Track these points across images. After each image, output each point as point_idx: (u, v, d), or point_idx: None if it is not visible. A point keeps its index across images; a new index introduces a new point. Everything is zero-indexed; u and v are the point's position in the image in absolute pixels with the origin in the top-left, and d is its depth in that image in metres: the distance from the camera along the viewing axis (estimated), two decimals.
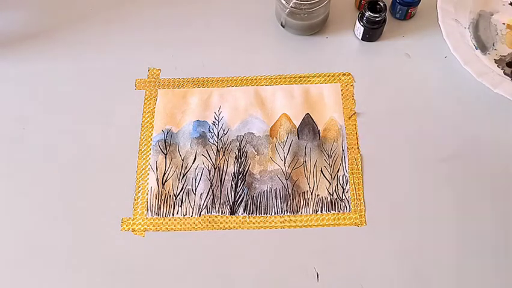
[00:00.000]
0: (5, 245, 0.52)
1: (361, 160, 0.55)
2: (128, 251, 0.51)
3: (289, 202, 0.53)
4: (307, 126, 0.57)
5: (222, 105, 0.59)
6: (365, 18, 0.59)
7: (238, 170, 0.55)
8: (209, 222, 0.52)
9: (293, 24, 0.60)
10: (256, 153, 0.56)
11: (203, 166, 0.55)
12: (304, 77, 0.60)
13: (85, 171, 0.55)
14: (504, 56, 0.60)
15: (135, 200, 0.54)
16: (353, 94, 0.58)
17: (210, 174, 0.54)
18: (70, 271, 0.51)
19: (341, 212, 0.52)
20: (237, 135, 0.57)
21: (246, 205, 0.53)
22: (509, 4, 0.63)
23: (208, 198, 0.53)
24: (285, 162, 0.55)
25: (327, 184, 0.54)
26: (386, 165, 0.54)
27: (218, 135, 0.57)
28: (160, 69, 0.61)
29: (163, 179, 0.55)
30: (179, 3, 0.66)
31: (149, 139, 0.57)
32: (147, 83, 0.60)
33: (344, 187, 0.53)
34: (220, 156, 0.56)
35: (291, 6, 0.58)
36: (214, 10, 0.65)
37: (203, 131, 0.57)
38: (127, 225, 0.52)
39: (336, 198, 0.53)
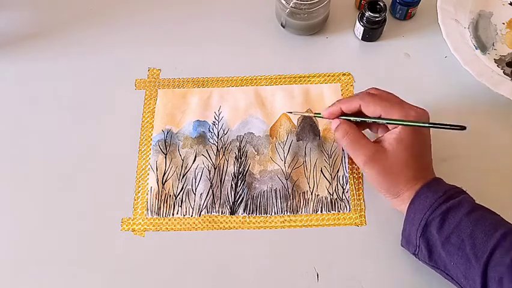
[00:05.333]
0: (4, 245, 0.52)
1: None
2: (128, 251, 0.51)
3: (289, 202, 0.53)
4: (307, 126, 0.57)
5: (222, 105, 0.59)
6: (365, 18, 0.59)
7: (238, 170, 0.55)
8: (209, 222, 0.52)
9: (293, 24, 0.60)
10: (256, 153, 0.56)
11: (203, 166, 0.55)
12: (304, 77, 0.60)
13: (85, 171, 0.55)
14: (504, 56, 0.60)
15: (135, 200, 0.54)
16: (353, 94, 0.58)
17: (210, 174, 0.54)
18: (69, 271, 0.51)
19: (341, 212, 0.52)
20: (237, 135, 0.57)
21: (246, 205, 0.53)
22: (509, 4, 0.63)
23: (208, 198, 0.53)
24: (285, 162, 0.55)
25: (327, 184, 0.54)
26: None
27: (218, 135, 0.57)
28: (160, 69, 0.61)
29: (163, 179, 0.55)
30: (180, 3, 0.66)
31: (149, 139, 0.57)
32: (147, 83, 0.60)
33: (344, 187, 0.53)
34: (220, 156, 0.56)
35: (291, 6, 0.58)
36: (215, 10, 0.65)
37: (203, 131, 0.57)
38: (127, 225, 0.52)
39: (336, 198, 0.53)
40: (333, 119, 0.50)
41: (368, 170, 0.46)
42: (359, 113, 0.48)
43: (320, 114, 0.52)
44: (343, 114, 0.49)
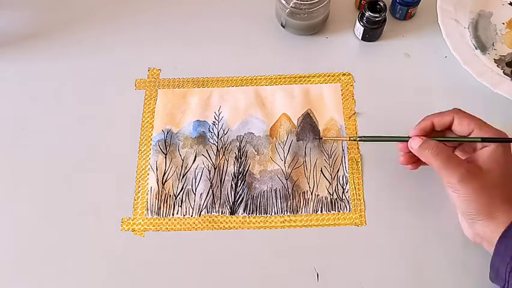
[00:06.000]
0: (5, 245, 0.52)
1: (361, 160, 0.55)
2: (128, 251, 0.51)
3: (289, 202, 0.53)
4: (307, 126, 0.57)
5: (222, 105, 0.59)
6: (365, 18, 0.59)
7: (238, 170, 0.55)
8: (209, 222, 0.52)
9: (293, 24, 0.60)
10: (256, 153, 0.56)
11: (203, 166, 0.55)
12: (304, 77, 0.60)
13: (85, 171, 0.55)
14: (504, 55, 0.60)
15: (135, 200, 0.54)
16: (353, 94, 0.58)
17: (210, 174, 0.55)
18: (69, 271, 0.51)
19: (341, 212, 0.52)
20: (237, 135, 0.57)
21: (246, 205, 0.53)
22: (509, 4, 0.63)
23: (208, 198, 0.53)
24: (285, 162, 0.55)
25: (327, 184, 0.54)
26: (386, 165, 0.54)
27: (218, 135, 0.57)
28: (160, 69, 0.61)
29: (163, 179, 0.55)
30: (180, 3, 0.66)
31: (149, 139, 0.57)
32: (147, 83, 0.60)
33: (344, 187, 0.53)
34: (220, 156, 0.56)
35: (291, 6, 0.58)
36: (214, 10, 0.65)
37: (203, 131, 0.57)
38: (127, 225, 0.52)
39: (336, 198, 0.53)
40: (419, 136, 0.46)
41: (462, 189, 0.43)
42: (446, 130, 0.47)
43: (352, 137, 0.51)
44: (433, 129, 0.47)
